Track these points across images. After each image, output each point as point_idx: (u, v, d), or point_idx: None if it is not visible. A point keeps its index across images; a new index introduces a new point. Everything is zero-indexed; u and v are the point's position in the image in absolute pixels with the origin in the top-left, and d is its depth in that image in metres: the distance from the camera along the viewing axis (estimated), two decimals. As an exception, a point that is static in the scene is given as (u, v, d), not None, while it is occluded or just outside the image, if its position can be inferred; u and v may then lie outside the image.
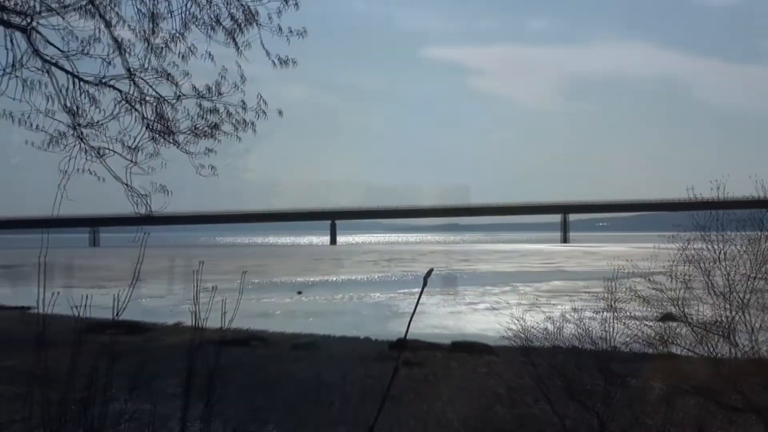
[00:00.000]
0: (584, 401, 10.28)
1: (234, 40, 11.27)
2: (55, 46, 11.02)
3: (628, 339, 10.38)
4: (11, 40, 10.74)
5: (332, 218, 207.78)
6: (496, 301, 43.38)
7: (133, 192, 11.08)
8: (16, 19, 10.84)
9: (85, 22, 11.13)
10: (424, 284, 3.27)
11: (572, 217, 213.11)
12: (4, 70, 10.72)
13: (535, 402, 13.61)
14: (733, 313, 9.07)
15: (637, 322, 10.18)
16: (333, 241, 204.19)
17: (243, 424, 12.67)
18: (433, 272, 3.44)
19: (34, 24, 10.86)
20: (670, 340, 9.72)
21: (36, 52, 10.84)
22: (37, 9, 10.94)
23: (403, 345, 22.14)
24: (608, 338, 10.53)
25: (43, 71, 10.92)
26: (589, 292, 13.40)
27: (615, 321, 10.48)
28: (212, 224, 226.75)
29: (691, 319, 9.43)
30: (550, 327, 11.26)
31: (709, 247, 9.28)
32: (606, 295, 10.48)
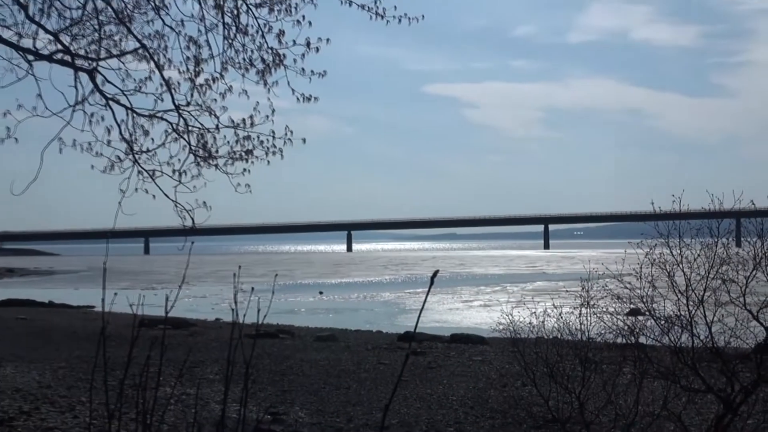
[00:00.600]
0: (565, 384, 10.23)
1: (264, 79, 11.30)
2: (114, 85, 11.08)
3: (602, 331, 10.34)
4: (78, 81, 10.80)
5: (348, 229, 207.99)
6: (488, 299, 43.30)
7: (180, 207, 11.12)
8: (82, 63, 10.88)
9: (140, 65, 11.20)
10: (431, 284, 3.24)
11: (552, 227, 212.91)
12: (72, 106, 10.78)
13: (523, 386, 13.57)
14: (692, 308, 9.02)
15: (609, 316, 10.13)
16: (349, 248, 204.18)
17: (273, 405, 12.63)
18: (431, 273, 3.41)
19: (97, 67, 10.92)
20: (639, 332, 9.68)
21: (98, 90, 10.89)
22: (100, 54, 10.99)
23: (412, 337, 22.10)
24: (584, 330, 10.49)
25: (103, 106, 10.97)
26: (567, 291, 13.33)
27: (590, 315, 10.44)
28: (247, 234, 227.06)
29: (657, 313, 9.38)
30: (534, 321, 11.21)
31: (671, 251, 9.24)
32: (582, 293, 10.44)
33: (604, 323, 10.12)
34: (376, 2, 11.05)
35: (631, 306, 9.80)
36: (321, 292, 51.61)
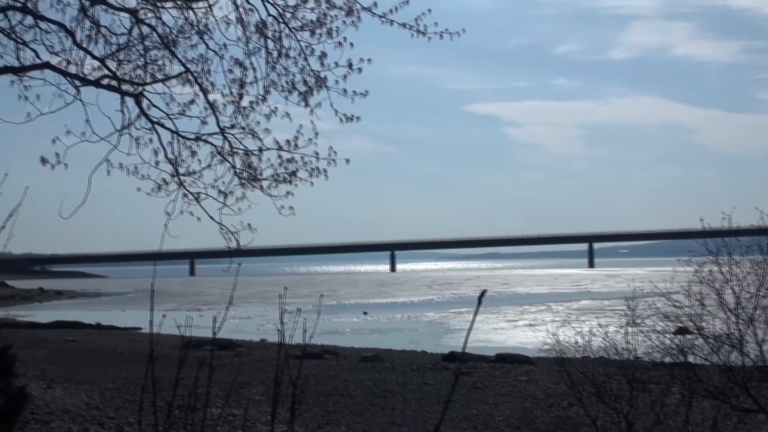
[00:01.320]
0: (613, 404, 10.10)
1: (306, 101, 11.36)
2: (159, 109, 11.20)
3: (649, 350, 10.21)
4: (124, 105, 10.95)
5: (392, 249, 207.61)
6: (533, 319, 42.99)
7: (225, 229, 11.19)
8: (128, 88, 11.03)
9: (183, 89, 11.32)
10: (479, 303, 3.22)
11: (597, 245, 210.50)
12: (119, 130, 10.93)
13: (570, 406, 13.43)
14: (742, 326, 8.89)
15: (657, 335, 10.01)
16: (393, 268, 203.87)
17: (319, 426, 12.62)
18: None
19: (142, 91, 11.06)
20: (687, 351, 9.54)
21: (144, 114, 11.03)
22: (145, 79, 11.14)
23: (459, 357, 22.00)
24: (632, 349, 10.36)
25: (149, 130, 11.10)
26: (613, 310, 13.19)
27: (637, 334, 10.32)
28: (290, 255, 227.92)
29: (706, 332, 9.25)
30: (580, 340, 11.10)
31: (720, 269, 9.12)
32: (629, 312, 10.33)
33: (652, 342, 10.00)
34: (417, 20, 11.08)
35: (679, 324, 9.67)
36: (365, 313, 51.55)
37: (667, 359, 9.81)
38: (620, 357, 10.55)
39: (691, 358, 9.62)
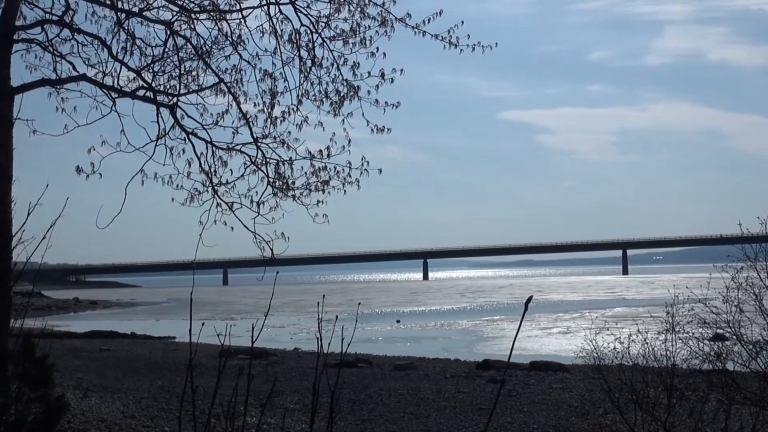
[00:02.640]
0: (651, 411, 10.01)
1: (337, 111, 11.40)
2: (194, 119, 11.30)
3: (687, 356, 10.11)
4: (159, 116, 11.05)
5: (424, 257, 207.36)
6: (567, 326, 42.72)
7: (259, 238, 11.24)
8: (163, 99, 11.14)
9: (217, 99, 11.41)
10: (525, 310, 3.22)
11: (631, 252, 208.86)
12: (154, 140, 11.03)
13: (605, 413, 13.32)
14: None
15: (695, 342, 9.91)
16: (425, 276, 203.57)
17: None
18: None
19: (177, 101, 11.16)
20: (725, 357, 9.44)
21: (179, 125, 11.12)
22: (180, 90, 11.24)
23: (502, 365, 21.86)
24: (670, 356, 10.26)
25: (183, 140, 11.19)
26: (651, 316, 13.06)
27: (675, 341, 10.22)
28: (323, 264, 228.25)
29: (744, 338, 9.15)
30: (618, 347, 11.01)
31: (758, 274, 9.02)
32: (667, 318, 10.23)
33: (690, 348, 9.90)
34: (449, 32, 11.09)
35: (717, 331, 9.57)
36: (398, 321, 51.47)
37: (705, 366, 9.71)
38: (658, 364, 10.45)
39: (729, 365, 9.51)
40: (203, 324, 4.29)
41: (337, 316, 4.02)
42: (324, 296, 4.63)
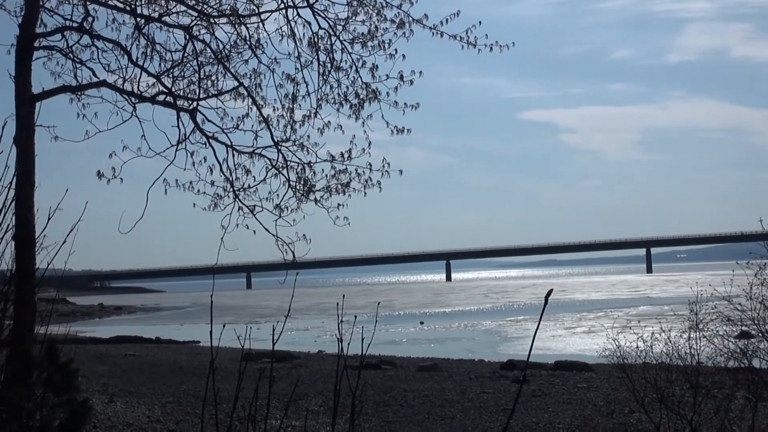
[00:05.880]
0: (677, 410, 9.94)
1: (357, 114, 11.40)
2: (214, 123, 11.34)
3: (712, 354, 10.03)
4: (179, 120, 11.10)
5: (447, 258, 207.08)
6: (591, 325, 42.53)
7: (281, 241, 11.26)
8: (183, 103, 11.19)
9: (236, 103, 11.45)
10: (545, 303, 3.20)
11: (654, 250, 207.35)
12: (174, 145, 11.08)
13: (630, 412, 13.24)
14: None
15: (720, 339, 9.83)
16: (448, 278, 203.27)
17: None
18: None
19: (197, 106, 11.20)
20: (752, 354, 9.36)
21: (199, 129, 11.17)
22: (199, 94, 11.28)
23: (515, 365, 21.79)
24: (695, 354, 10.18)
25: (204, 145, 11.23)
26: (675, 314, 12.97)
27: (699, 339, 10.14)
28: (346, 266, 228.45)
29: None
30: (641, 345, 10.94)
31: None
32: (691, 316, 10.15)
33: (715, 346, 9.82)
34: (467, 32, 11.07)
35: (743, 328, 9.49)
36: (422, 322, 51.40)
37: (731, 363, 9.63)
38: (683, 362, 10.38)
39: (755, 362, 9.43)
40: (224, 326, 4.29)
41: (356, 316, 4.00)
42: (344, 296, 4.62)
